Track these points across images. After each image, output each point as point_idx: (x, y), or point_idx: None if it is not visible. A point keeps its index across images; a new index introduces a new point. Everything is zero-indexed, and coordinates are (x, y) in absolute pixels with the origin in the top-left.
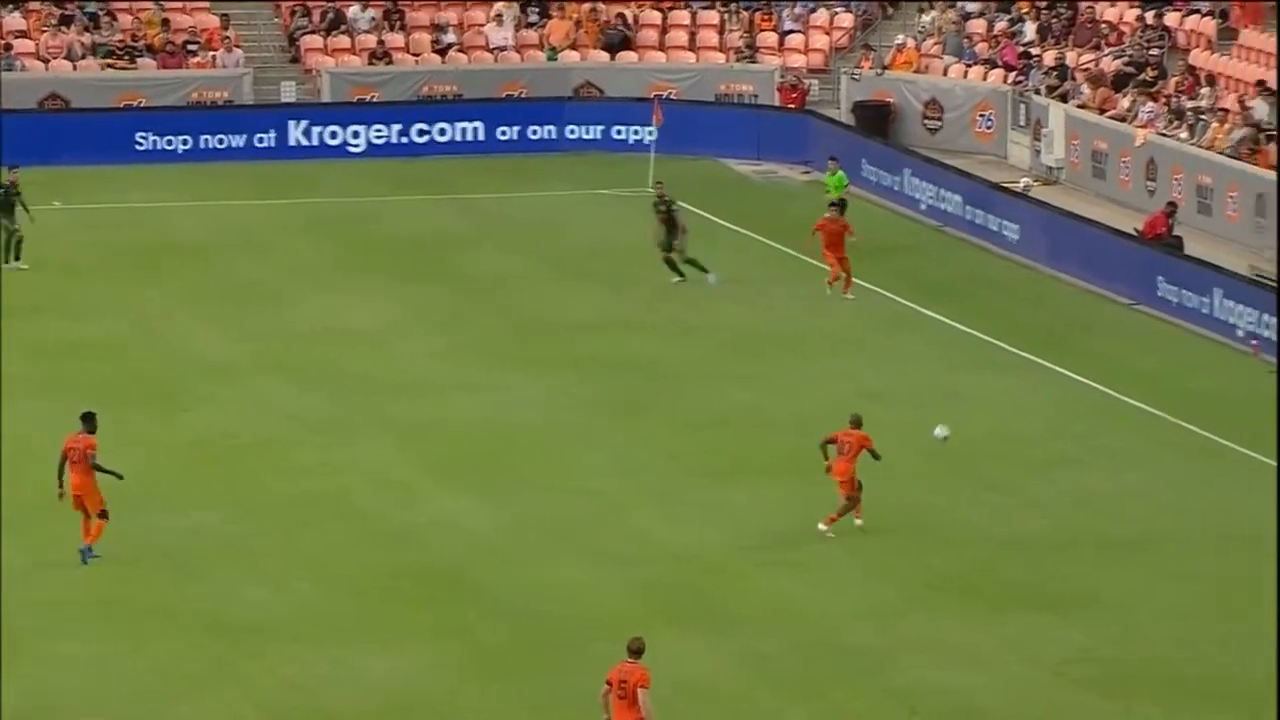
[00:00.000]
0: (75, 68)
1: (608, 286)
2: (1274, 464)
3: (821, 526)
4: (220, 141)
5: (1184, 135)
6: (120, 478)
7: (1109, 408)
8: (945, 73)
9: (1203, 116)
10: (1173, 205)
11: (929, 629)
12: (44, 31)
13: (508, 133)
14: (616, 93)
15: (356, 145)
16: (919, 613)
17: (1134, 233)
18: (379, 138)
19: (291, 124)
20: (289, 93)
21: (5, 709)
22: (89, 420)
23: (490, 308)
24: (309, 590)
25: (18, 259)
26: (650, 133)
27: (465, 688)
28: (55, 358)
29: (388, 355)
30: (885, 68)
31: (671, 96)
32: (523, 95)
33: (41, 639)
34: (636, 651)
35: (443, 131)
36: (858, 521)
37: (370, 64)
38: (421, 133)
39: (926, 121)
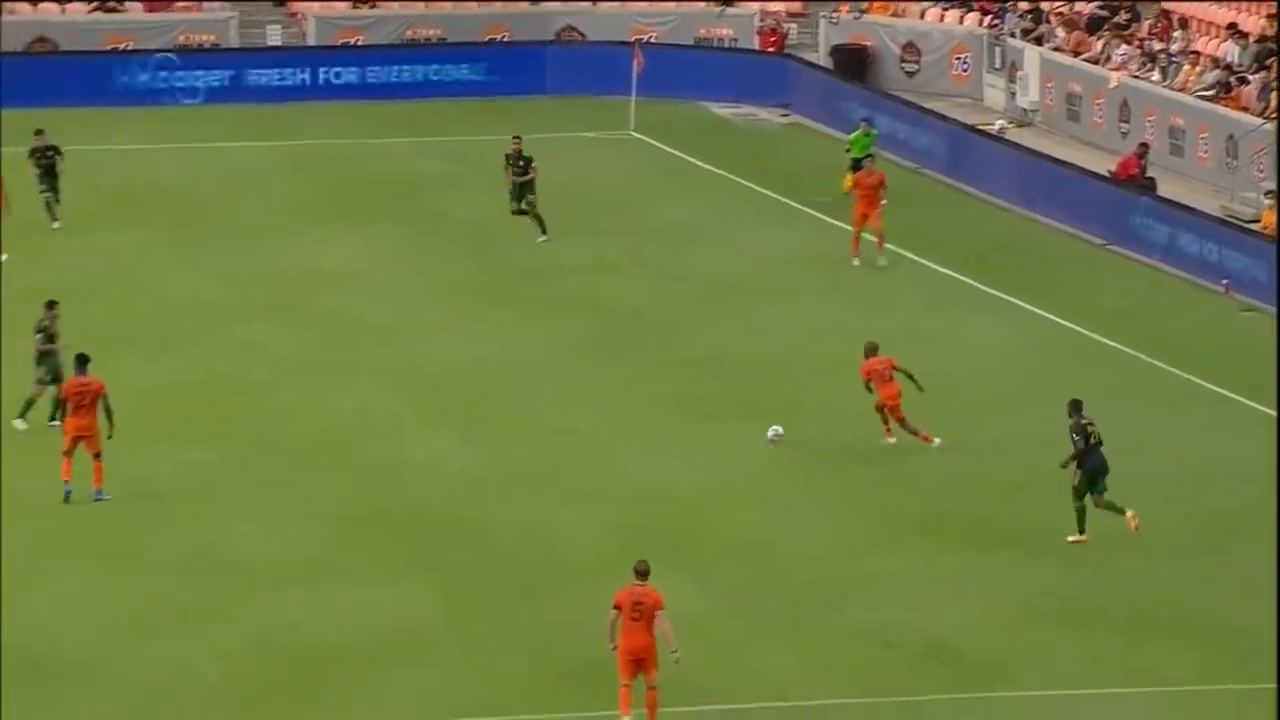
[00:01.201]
0: (63, 11)
1: (590, 230)
2: (1245, 401)
3: (937, 440)
4: (206, 84)
5: (1156, 78)
6: (111, 425)
7: (1081, 347)
8: (922, 16)
9: (1175, 59)
10: (1145, 146)
11: (897, 565)
12: None
13: (491, 76)
14: (598, 37)
15: (341, 88)
16: (887, 549)
17: (1107, 174)
18: (362, 80)
19: (277, 66)
20: (275, 36)
21: None
22: (85, 363)
23: (474, 250)
24: (297, 530)
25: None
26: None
27: (451, 624)
28: (41, 300)
29: (373, 297)
30: (863, 12)
31: (652, 40)
32: (505, 39)
33: (28, 576)
34: (644, 574)
35: (426, 74)
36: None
37: (355, 8)
38: (406, 76)
39: (904, 65)
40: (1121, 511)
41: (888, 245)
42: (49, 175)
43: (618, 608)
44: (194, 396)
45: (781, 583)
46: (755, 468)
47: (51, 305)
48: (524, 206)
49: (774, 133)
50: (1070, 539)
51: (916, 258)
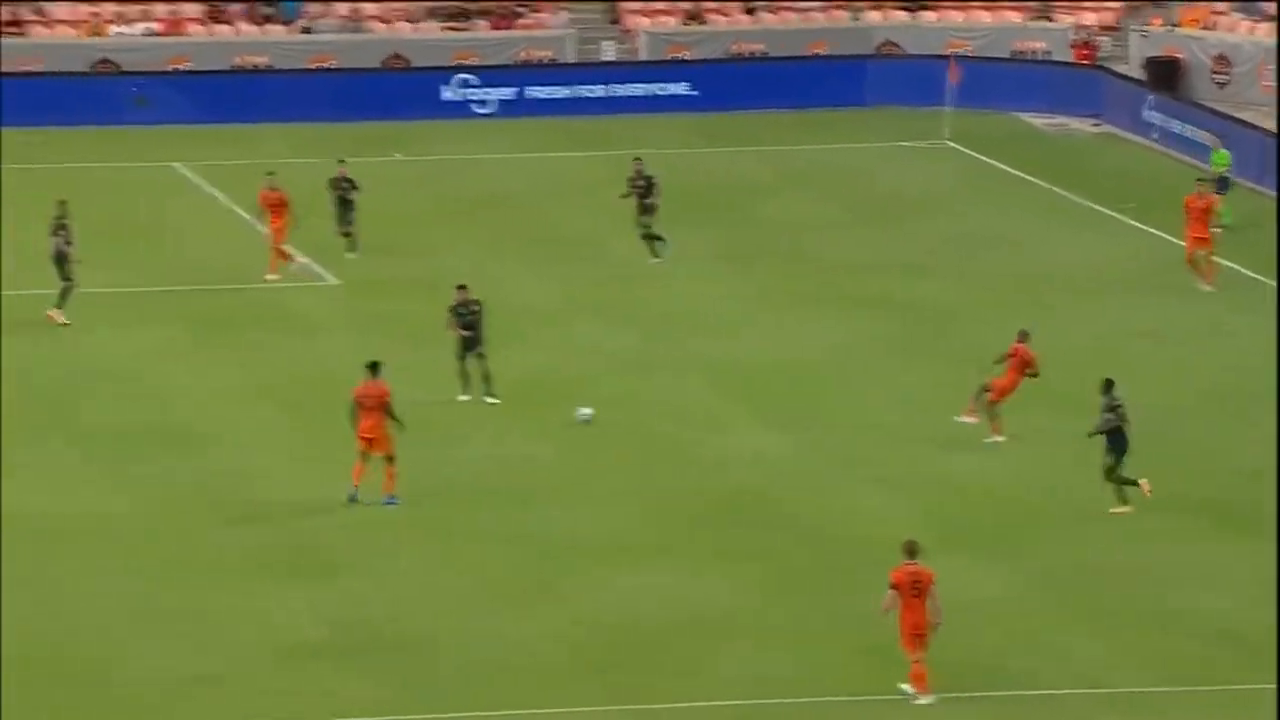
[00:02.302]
0: (415, 29)
1: (906, 234)
2: None
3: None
4: (543, 97)
5: None
6: (403, 427)
7: None
8: (1234, 29)
9: None
10: None
11: (1196, 551)
12: None
13: (813, 88)
14: (916, 50)
15: (668, 100)
16: (1185, 536)
17: None
18: (689, 93)
19: (607, 81)
20: (609, 52)
21: (327, 616)
22: (376, 369)
23: (789, 251)
24: (624, 515)
25: (353, 250)
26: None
27: (767, 605)
28: (378, 297)
29: (692, 296)
30: (1175, 25)
31: (968, 54)
32: (827, 53)
33: (365, 557)
34: (914, 552)
35: (750, 87)
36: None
37: (684, 24)
38: (730, 88)
39: (1215, 76)
40: (1134, 483)
41: (1183, 243)
42: (342, 206)
43: (896, 587)
44: (527, 389)
45: (1085, 569)
46: (1056, 458)
47: (461, 287)
48: (642, 229)
49: (1085, 142)
50: (1113, 510)
51: (1226, 262)
